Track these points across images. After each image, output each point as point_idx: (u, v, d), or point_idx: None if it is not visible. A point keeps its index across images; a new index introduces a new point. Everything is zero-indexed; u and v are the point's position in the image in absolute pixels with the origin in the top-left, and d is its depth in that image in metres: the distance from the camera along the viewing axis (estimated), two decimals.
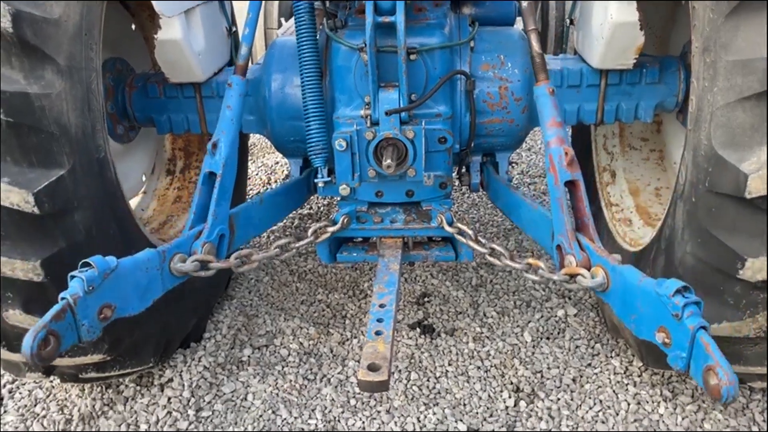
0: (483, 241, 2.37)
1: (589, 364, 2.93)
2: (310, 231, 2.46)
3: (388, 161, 2.31)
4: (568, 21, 2.72)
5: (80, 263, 1.77)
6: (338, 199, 2.71)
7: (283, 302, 3.49)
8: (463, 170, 2.89)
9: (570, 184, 2.13)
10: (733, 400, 1.49)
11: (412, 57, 2.42)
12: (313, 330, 3.22)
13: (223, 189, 2.29)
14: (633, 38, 2.47)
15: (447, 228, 2.45)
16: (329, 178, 2.59)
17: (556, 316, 3.25)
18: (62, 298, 1.66)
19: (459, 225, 2.45)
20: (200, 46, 2.71)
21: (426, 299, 3.42)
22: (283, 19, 5.36)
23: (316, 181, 2.59)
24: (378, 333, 1.89)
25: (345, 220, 2.50)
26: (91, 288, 1.72)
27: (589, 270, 1.97)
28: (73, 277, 1.72)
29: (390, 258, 2.44)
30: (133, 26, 2.97)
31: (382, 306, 2.06)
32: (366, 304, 3.44)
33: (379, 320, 1.97)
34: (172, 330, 2.83)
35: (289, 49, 2.73)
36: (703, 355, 1.48)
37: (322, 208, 4.50)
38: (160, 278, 2.05)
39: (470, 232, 2.40)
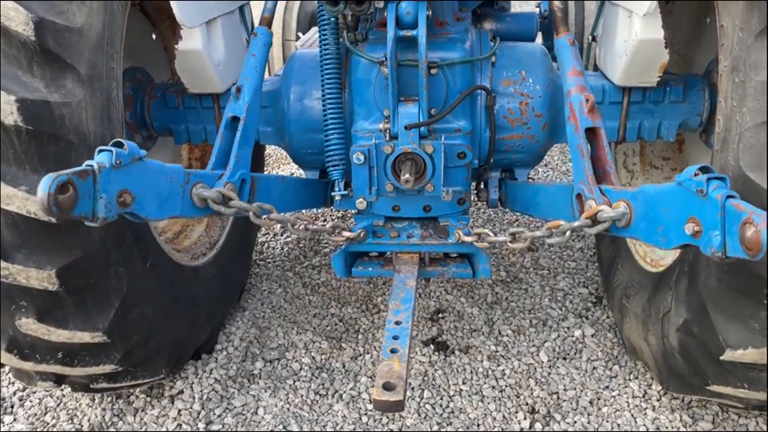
0: (502, 235, 2.32)
1: (607, 387, 2.87)
2: (330, 224, 2.44)
3: (407, 176, 2.29)
4: (590, 37, 2.70)
5: (112, 142, 1.71)
6: (354, 212, 2.69)
7: (296, 315, 3.46)
8: (481, 186, 2.86)
9: (590, 132, 2.14)
10: None
11: (433, 71, 2.41)
12: (326, 344, 3.19)
13: (246, 133, 2.29)
14: (657, 56, 2.44)
15: (465, 238, 2.42)
16: (346, 192, 2.56)
17: (573, 336, 3.19)
18: (88, 165, 1.58)
19: (477, 230, 2.41)
20: (220, 57, 2.71)
21: (440, 315, 3.38)
22: (300, 33, 5.37)
23: (332, 194, 2.57)
24: (393, 351, 1.86)
25: (361, 234, 2.48)
26: (118, 162, 1.65)
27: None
28: (102, 150, 1.66)
29: (406, 274, 2.41)
30: (154, 36, 2.98)
31: (397, 323, 2.03)
32: (379, 318, 3.40)
33: (395, 338, 1.94)
34: (184, 341, 2.81)
35: (309, 62, 2.73)
36: (736, 217, 1.41)
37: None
38: (181, 196, 1.98)
39: (488, 231, 2.36)
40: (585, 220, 1.99)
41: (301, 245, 4.14)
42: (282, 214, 2.23)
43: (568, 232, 2.07)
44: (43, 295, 2.05)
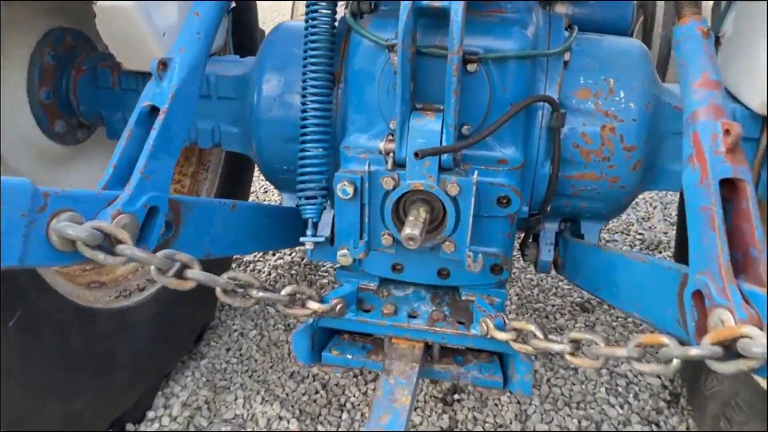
0: (556, 337, 1.43)
1: None
2: (285, 290, 1.55)
3: (412, 231, 1.41)
4: (712, 36, 1.75)
5: None
6: (331, 274, 1.84)
7: (267, 372, 2.63)
8: (529, 240, 1.96)
9: (728, 187, 1.22)
10: None
11: (471, 67, 1.53)
12: (296, 424, 2.36)
13: (168, 134, 1.44)
14: None
15: (498, 334, 1.52)
16: (322, 238, 1.72)
17: None
18: None
19: (517, 324, 1.51)
20: (167, 21, 1.87)
21: (455, 397, 2.50)
22: None
23: (303, 239, 1.72)
24: None
25: (338, 307, 1.61)
26: None
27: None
28: None
29: (399, 379, 1.54)
30: None
31: None
32: (372, 390, 2.55)
33: None
34: (89, 418, 2.02)
35: (296, 38, 1.87)
36: None
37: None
38: (23, 233, 1.15)
39: (535, 329, 1.46)
40: (712, 346, 1.09)
41: (293, 272, 3.31)
42: (208, 274, 1.39)
43: (675, 362, 1.19)
44: None
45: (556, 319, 2.99)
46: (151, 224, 1.43)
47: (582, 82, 1.72)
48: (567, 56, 1.70)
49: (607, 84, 1.71)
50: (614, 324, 2.95)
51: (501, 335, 1.51)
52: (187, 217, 1.55)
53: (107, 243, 1.31)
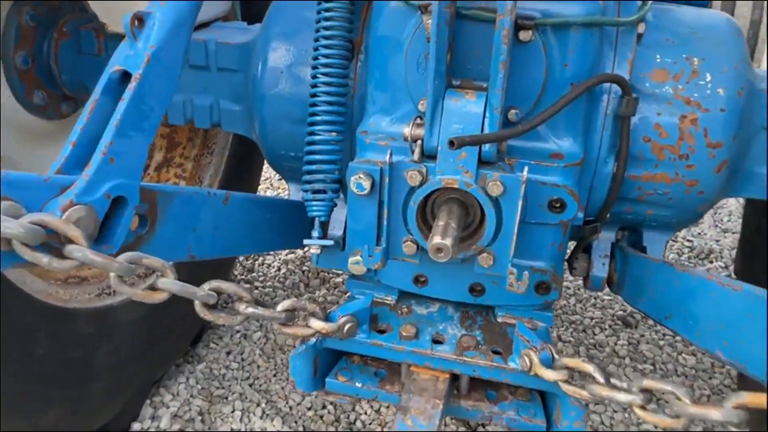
0: (621, 383, 1.12)
1: None
2: (281, 305, 1.25)
3: (442, 240, 1.11)
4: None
5: None
6: (346, 274, 1.56)
7: (270, 381, 2.36)
8: (579, 252, 1.64)
9: None
10: None
11: (524, 35, 1.22)
12: None
13: (141, 109, 1.15)
14: None
15: (545, 372, 1.22)
16: (330, 241, 1.42)
17: None
18: None
19: (569, 362, 1.20)
20: None
21: (484, 427, 2.20)
22: None
23: (307, 242, 1.42)
24: None
25: (347, 327, 1.32)
26: None
27: None
28: None
29: (419, 421, 1.25)
30: None
31: None
32: (387, 407, 2.26)
33: None
34: (72, 425, 1.77)
35: (309, 2, 1.56)
36: None
37: None
38: None
39: (594, 370, 1.15)
40: None
41: (305, 268, 3.03)
42: (183, 284, 1.10)
43: None
44: None
45: (594, 335, 2.67)
46: (116, 219, 1.15)
47: (658, 60, 1.39)
48: (641, 28, 1.37)
49: (689, 64, 1.38)
50: (661, 343, 2.62)
51: (549, 374, 1.21)
52: (166, 211, 1.27)
53: (56, 241, 1.03)
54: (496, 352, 1.35)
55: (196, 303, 1.15)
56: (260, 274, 2.98)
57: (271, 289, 2.86)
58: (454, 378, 1.42)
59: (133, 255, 1.07)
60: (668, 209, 1.48)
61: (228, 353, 2.49)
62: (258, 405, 2.25)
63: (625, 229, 1.63)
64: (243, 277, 2.93)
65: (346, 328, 1.32)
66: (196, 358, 2.44)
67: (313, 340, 1.39)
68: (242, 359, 2.47)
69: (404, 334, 1.38)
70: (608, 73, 1.34)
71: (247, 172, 2.65)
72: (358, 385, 1.42)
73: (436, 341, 1.38)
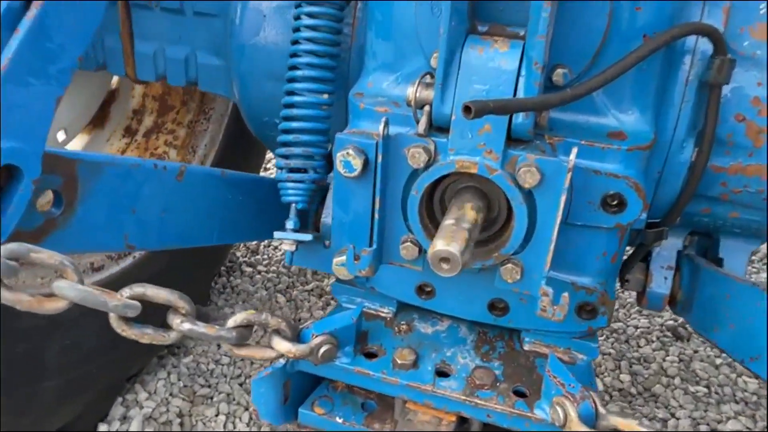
0: None
1: None
2: (231, 320, 0.93)
3: (446, 246, 0.78)
4: None
5: None
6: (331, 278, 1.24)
7: None
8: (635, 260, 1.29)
9: None
10: None
11: None
12: None
13: (44, 47, 0.87)
14: None
15: (580, 428, 0.89)
16: (307, 236, 1.10)
17: None
18: None
19: (620, 423, 0.87)
20: None
21: None
22: None
23: (278, 236, 1.11)
24: None
25: (322, 350, 1.00)
26: None
27: None
28: None
29: None
30: None
31: None
32: None
33: None
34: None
35: None
36: None
37: None
38: None
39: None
40: None
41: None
42: (87, 288, 0.81)
43: None
44: None
45: (639, 347, 2.31)
46: (6, 195, 0.85)
47: (763, 12, 1.02)
48: None
49: None
50: (718, 362, 2.25)
51: None
52: (90, 187, 0.97)
53: None
54: (519, 394, 1.02)
55: (112, 316, 0.85)
56: (265, 257, 2.69)
57: (275, 275, 2.57)
58: (462, 420, 1.09)
59: (14, 247, 0.77)
60: (760, 213, 1.12)
61: (219, 345, 2.22)
62: (246, 409, 1.97)
63: (696, 233, 1.28)
64: (246, 259, 2.65)
65: (321, 351, 1.00)
66: (183, 350, 2.18)
67: (281, 361, 1.08)
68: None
69: (399, 361, 1.05)
70: (696, 22, 0.97)
71: (249, 144, 2.34)
72: (339, 420, 1.10)
73: (441, 373, 1.06)
